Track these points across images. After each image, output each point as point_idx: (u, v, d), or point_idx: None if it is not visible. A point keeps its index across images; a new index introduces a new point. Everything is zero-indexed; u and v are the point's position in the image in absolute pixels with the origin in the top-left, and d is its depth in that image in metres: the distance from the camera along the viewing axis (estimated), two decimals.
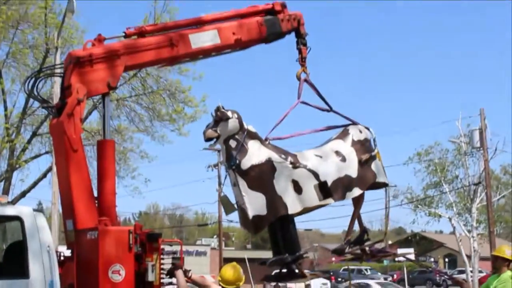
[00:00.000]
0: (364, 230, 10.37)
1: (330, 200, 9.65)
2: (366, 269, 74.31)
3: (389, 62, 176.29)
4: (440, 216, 47.99)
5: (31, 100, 26.73)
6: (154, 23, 10.14)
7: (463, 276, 54.01)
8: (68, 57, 9.73)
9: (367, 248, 10.37)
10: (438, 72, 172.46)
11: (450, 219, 46.09)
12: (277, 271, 10.08)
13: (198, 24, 10.54)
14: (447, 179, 46.51)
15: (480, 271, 42.24)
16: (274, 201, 9.09)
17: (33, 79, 10.10)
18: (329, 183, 9.50)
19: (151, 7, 27.74)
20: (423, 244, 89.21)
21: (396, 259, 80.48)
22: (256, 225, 9.31)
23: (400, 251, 67.00)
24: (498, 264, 12.02)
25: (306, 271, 10.54)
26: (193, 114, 30.03)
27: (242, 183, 9.07)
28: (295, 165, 9.32)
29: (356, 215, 10.23)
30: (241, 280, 8.74)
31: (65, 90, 9.50)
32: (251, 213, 9.03)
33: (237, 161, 9.08)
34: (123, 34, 9.95)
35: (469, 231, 44.66)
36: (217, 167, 55.78)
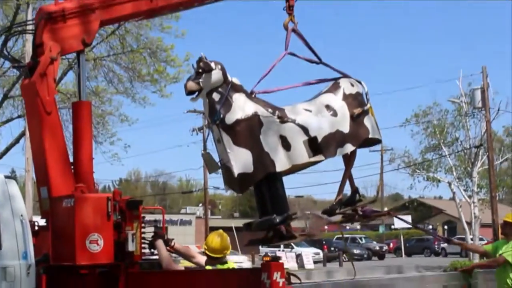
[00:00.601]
0: (355, 191, 10.35)
1: (320, 157, 9.61)
2: (360, 238, 74.72)
3: (385, 17, 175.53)
4: (439, 181, 48.32)
5: (1, 60, 26.81)
6: None
7: None
8: (39, 12, 9.63)
9: (359, 209, 10.37)
10: (437, 28, 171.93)
11: (449, 184, 46.38)
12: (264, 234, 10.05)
13: None
14: (447, 142, 46.70)
15: (481, 239, 42.53)
16: (261, 157, 9.06)
17: (3, 37, 10.03)
18: (320, 139, 9.46)
19: None
20: (421, 210, 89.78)
21: (393, 227, 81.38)
22: (242, 183, 9.29)
23: (396, 218, 67.44)
24: (507, 230, 12.17)
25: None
26: (175, 75, 29.92)
27: (227, 139, 9.02)
28: (283, 119, 9.28)
29: (347, 174, 10.21)
30: (228, 249, 8.76)
31: (37, 48, 9.41)
32: (236, 171, 8.99)
33: (221, 116, 9.02)
34: None
35: (469, 197, 44.92)
36: (202, 130, 55.80)
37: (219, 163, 9.35)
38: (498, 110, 43.88)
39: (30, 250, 8.32)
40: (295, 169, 9.76)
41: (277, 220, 9.22)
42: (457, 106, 45.86)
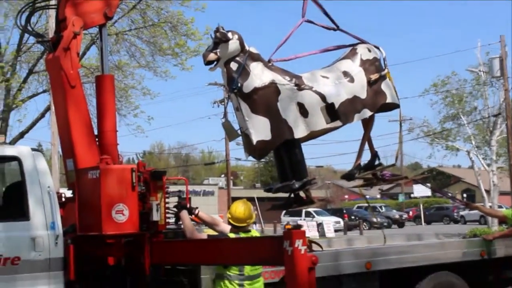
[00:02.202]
0: (375, 155, 10.32)
1: (338, 123, 9.57)
2: (380, 206, 74.86)
3: None
4: (458, 149, 48.22)
5: (26, 35, 26.85)
6: None
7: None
8: None
9: (378, 173, 10.36)
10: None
11: (468, 152, 46.22)
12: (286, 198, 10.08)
13: None
14: (465, 111, 46.46)
15: (500, 206, 42.37)
16: (278, 124, 9.05)
17: (27, 13, 10.03)
18: (337, 105, 9.42)
19: None
20: (440, 179, 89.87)
21: (412, 195, 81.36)
22: (261, 150, 9.30)
23: (415, 187, 67.34)
24: None
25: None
26: (196, 48, 29.78)
27: (245, 107, 9.02)
28: (300, 87, 9.24)
29: (366, 139, 10.17)
30: (251, 218, 8.78)
31: (60, 23, 9.43)
32: (255, 138, 8.99)
33: (239, 84, 9.00)
34: None
35: (488, 165, 44.78)
36: (223, 102, 55.81)
37: (238, 131, 9.36)
38: None
39: (57, 221, 8.38)
40: (314, 135, 9.74)
41: (296, 185, 9.23)
42: (475, 76, 45.59)
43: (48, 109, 28.56)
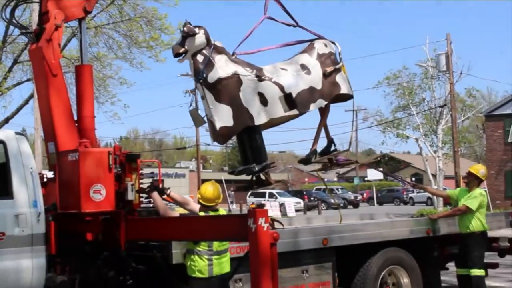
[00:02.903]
0: (331, 141, 10.38)
1: (295, 112, 9.60)
2: (337, 189, 75.21)
3: None
4: (407, 137, 48.81)
5: (11, 28, 26.63)
6: None
7: (428, 194, 55.02)
8: None
9: (333, 158, 10.42)
10: None
11: (417, 140, 46.80)
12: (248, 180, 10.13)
13: None
14: (415, 102, 47.08)
15: (444, 189, 42.83)
16: (240, 112, 9.06)
17: (11, 6, 9.92)
18: (294, 95, 9.44)
19: None
20: (391, 164, 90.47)
21: (366, 179, 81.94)
22: (224, 136, 9.32)
23: (369, 171, 67.86)
24: (469, 179, 12.30)
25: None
26: (169, 41, 29.91)
27: (210, 96, 9.03)
28: (261, 78, 9.25)
29: (321, 126, 10.21)
30: (219, 198, 8.79)
31: (43, 16, 9.34)
32: (218, 125, 9.01)
33: (204, 75, 8.99)
34: None
35: (434, 151, 45.36)
36: (194, 92, 55.57)
37: (204, 118, 9.36)
38: (461, 73, 44.36)
39: (39, 200, 8.32)
40: (273, 123, 9.77)
41: (256, 168, 9.27)
42: (424, 70, 46.25)
43: (31, 96, 28.40)
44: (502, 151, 48.81)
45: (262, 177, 9.66)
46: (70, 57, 27.77)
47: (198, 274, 8.44)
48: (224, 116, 9.03)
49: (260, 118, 9.22)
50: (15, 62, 29.58)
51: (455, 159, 42.38)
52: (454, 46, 43.11)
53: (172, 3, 29.67)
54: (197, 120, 9.59)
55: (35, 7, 19.57)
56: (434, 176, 44.54)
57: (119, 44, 30.64)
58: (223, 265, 8.56)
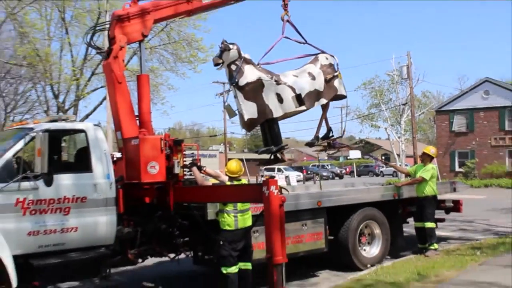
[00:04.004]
0: (329, 129, 10.32)
1: (303, 107, 9.53)
2: (327, 165, 75.06)
3: (336, 14, 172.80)
4: (379, 127, 49.02)
5: (90, 49, 26.79)
6: None
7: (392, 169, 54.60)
8: (112, 15, 9.48)
9: (331, 142, 10.37)
10: (375, 22, 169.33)
11: (386, 129, 46.76)
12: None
13: None
14: (384, 101, 47.21)
15: (406, 165, 42.99)
16: (263, 107, 8.99)
17: (90, 34, 9.92)
18: (303, 95, 9.37)
19: None
20: (367, 146, 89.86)
21: (348, 157, 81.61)
22: (250, 125, 9.23)
23: (351, 152, 67.64)
24: (424, 157, 12.29)
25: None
26: (204, 58, 30.34)
27: (240, 95, 8.96)
28: (278, 82, 9.18)
29: (323, 118, 10.17)
30: (241, 171, 8.76)
31: (112, 40, 9.32)
32: (246, 116, 8.95)
33: (236, 80, 8.95)
34: None
35: (399, 137, 45.35)
36: (222, 94, 55.69)
37: (236, 112, 9.32)
38: (418, 80, 44.53)
39: (111, 173, 8.32)
40: (287, 116, 9.70)
41: (274, 149, 9.24)
42: (391, 77, 46.24)
43: (104, 98, 28.64)
44: (448, 137, 48.54)
45: (278, 156, 9.62)
46: (131, 69, 27.91)
47: (227, 227, 8.44)
48: (251, 110, 8.97)
49: (277, 112, 9.17)
50: (93, 74, 29.75)
51: (414, 143, 42.39)
52: (413, 59, 43.37)
53: (206, 30, 30.13)
54: (230, 113, 9.55)
55: (106, 33, 19.61)
56: (398, 155, 44.43)
57: (168, 60, 30.91)
58: (246, 220, 8.54)
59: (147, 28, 9.48)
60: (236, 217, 8.46)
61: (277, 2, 10.09)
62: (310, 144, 10.37)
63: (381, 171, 70.98)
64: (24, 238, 7.37)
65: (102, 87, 29.91)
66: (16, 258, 7.16)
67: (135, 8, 9.40)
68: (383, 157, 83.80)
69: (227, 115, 9.87)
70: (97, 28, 10.55)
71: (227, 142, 65.20)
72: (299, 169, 63.96)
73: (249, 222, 8.56)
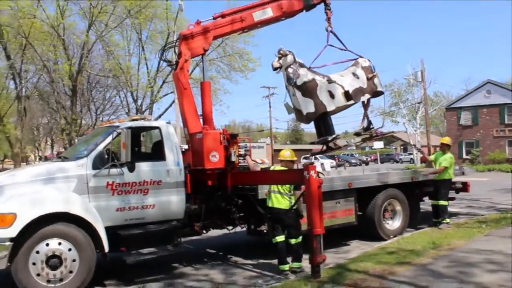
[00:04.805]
0: (370, 122, 10.16)
1: (351, 102, 9.38)
2: (356, 154, 74.02)
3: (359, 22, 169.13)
4: (398, 122, 48.28)
5: (161, 62, 27.11)
6: (230, 8, 9.62)
7: (411, 156, 53.54)
8: (179, 35, 9.54)
9: (373, 132, 10.22)
10: (391, 30, 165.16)
11: (404, 123, 46.10)
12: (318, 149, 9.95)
13: (258, 6, 10.00)
14: (402, 100, 46.81)
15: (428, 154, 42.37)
16: (318, 103, 8.89)
17: (162, 50, 10.07)
18: (350, 91, 9.23)
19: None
20: (388, 138, 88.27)
21: (373, 147, 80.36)
22: (308, 118, 9.14)
23: (375, 143, 66.40)
24: (442, 147, 11.93)
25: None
26: (253, 67, 30.46)
27: (298, 94, 8.88)
28: (330, 81, 9.08)
29: (365, 112, 10.02)
30: (294, 157, 8.38)
31: (179, 54, 9.39)
32: (305, 111, 8.87)
33: (295, 80, 8.88)
34: (212, 17, 9.67)
35: (415, 130, 44.68)
36: (268, 97, 55.72)
37: (293, 108, 9.24)
38: (430, 82, 44.22)
39: (180, 161, 8.40)
40: (338, 109, 9.57)
41: (329, 139, 9.15)
42: (407, 81, 45.81)
43: (173, 102, 29.03)
44: (456, 129, 47.26)
45: (331, 145, 9.48)
46: (195, 78, 28.30)
47: (269, 204, 8.34)
48: (308, 106, 8.90)
49: (330, 107, 9.07)
50: (164, 82, 30.25)
51: (428, 135, 41.56)
52: (426, 65, 42.71)
53: (254, 44, 30.30)
54: (289, 110, 9.49)
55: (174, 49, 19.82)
56: (414, 145, 43.74)
57: (224, 70, 31.26)
58: (280, 202, 8.28)
59: (207, 43, 9.49)
60: (276, 197, 8.22)
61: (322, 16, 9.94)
62: (358, 134, 10.25)
63: (400, 159, 69.41)
64: (113, 213, 7.54)
65: (171, 92, 30.40)
66: (107, 229, 7.35)
67: (198, 28, 9.41)
68: (401, 147, 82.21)
69: (286, 111, 9.79)
70: (167, 46, 10.67)
71: (272, 135, 65.08)
72: (332, 157, 63.32)
73: (284, 205, 8.08)
